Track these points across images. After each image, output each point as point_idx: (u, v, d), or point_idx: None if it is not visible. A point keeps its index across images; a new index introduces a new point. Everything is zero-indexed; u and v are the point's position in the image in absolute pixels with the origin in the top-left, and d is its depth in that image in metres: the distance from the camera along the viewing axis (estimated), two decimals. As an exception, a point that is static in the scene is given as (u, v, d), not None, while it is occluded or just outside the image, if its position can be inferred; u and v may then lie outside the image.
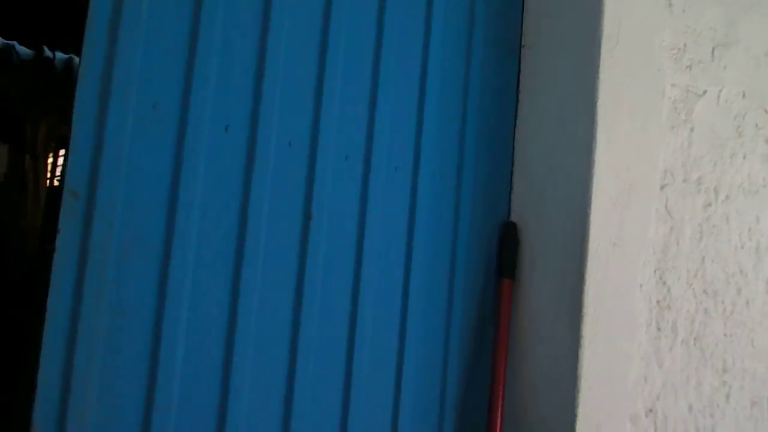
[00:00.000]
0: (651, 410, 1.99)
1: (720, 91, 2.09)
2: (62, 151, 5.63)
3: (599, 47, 1.89)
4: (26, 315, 5.25)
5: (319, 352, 1.65)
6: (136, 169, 1.41)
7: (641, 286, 1.97)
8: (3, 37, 5.95)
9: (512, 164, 2.07)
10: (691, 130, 2.04)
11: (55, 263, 1.30)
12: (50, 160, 5.90)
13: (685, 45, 2.04)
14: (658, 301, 2.00)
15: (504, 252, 1.98)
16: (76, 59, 6.19)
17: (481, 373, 1.95)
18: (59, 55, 5.93)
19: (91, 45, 1.37)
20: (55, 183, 5.70)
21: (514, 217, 2.05)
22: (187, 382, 1.46)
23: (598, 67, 1.88)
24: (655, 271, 2.00)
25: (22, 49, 5.93)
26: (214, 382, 1.50)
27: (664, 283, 2.02)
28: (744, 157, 2.11)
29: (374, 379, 1.75)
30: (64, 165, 3.17)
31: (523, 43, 2.12)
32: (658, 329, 2.00)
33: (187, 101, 1.48)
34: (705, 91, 2.07)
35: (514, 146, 2.07)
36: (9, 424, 3.68)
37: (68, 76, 6.16)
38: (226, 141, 1.54)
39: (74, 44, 5.87)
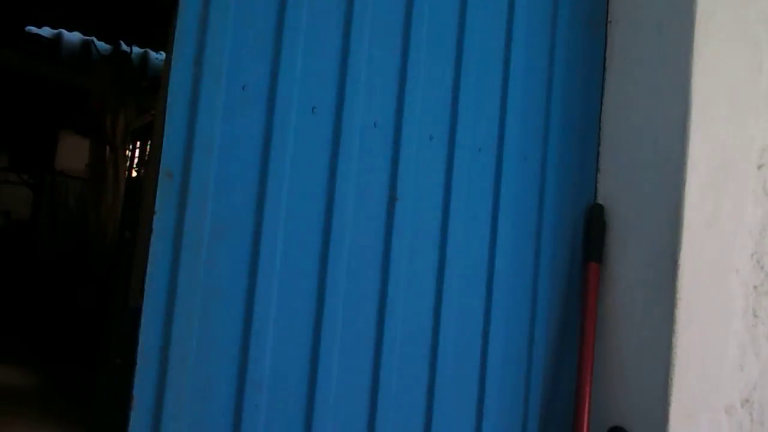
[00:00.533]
0: (747, 401, 1.90)
1: (822, 63, 1.97)
2: (139, 143, 5.80)
3: (693, 21, 1.80)
4: (108, 299, 5.47)
5: (404, 332, 1.65)
6: (227, 150, 1.43)
7: (737, 270, 1.87)
8: (82, 34, 6.19)
9: (599, 144, 2.00)
10: (792, 105, 1.93)
11: (153, 243, 1.33)
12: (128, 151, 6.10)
13: (784, 15, 1.93)
14: (755, 287, 1.90)
15: (591, 235, 1.92)
16: (152, 53, 6.38)
17: (568, 361, 1.90)
18: (135, 49, 6.12)
19: (183, 30, 1.39)
20: (133, 174, 5.89)
21: (600, 199, 1.99)
22: (277, 361, 1.47)
23: (692, 42, 1.80)
24: (752, 255, 1.90)
25: (101, 45, 6.16)
26: (303, 361, 1.51)
27: (762, 267, 1.92)
28: None
29: (459, 363, 1.73)
30: (152, 151, 3.26)
31: (609, 19, 2.04)
32: (755, 316, 1.91)
33: (275, 83, 1.49)
34: (806, 64, 1.95)
35: (600, 126, 2.00)
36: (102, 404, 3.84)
37: (144, 70, 6.36)
38: (313, 122, 1.54)
39: (150, 38, 6.05)
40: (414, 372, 1.66)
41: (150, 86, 6.19)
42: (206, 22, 1.41)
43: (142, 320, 1.32)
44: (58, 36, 6.13)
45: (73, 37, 6.18)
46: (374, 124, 1.62)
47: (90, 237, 6.90)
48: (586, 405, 1.82)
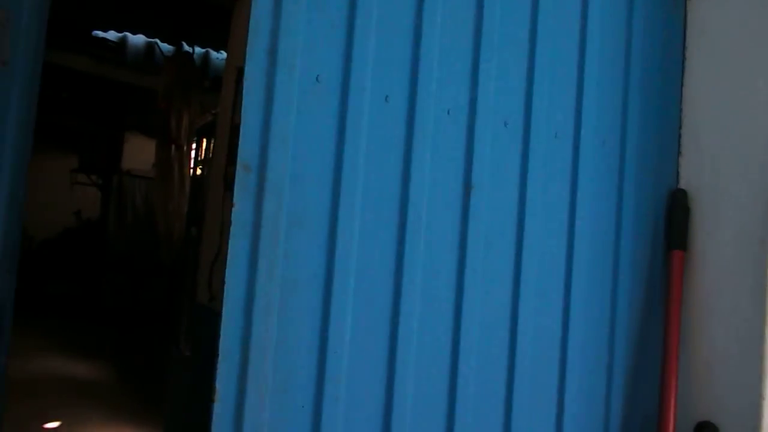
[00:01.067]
0: None
1: None
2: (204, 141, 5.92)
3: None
4: (176, 294, 5.61)
5: (481, 323, 1.61)
6: (302, 142, 1.42)
7: (834, 256, 1.76)
8: (146, 36, 6.35)
9: (680, 127, 1.91)
10: None
11: (232, 236, 1.34)
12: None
13: None
14: None
15: (673, 221, 1.84)
16: (213, 53, 6.50)
17: (651, 354, 1.83)
18: (197, 50, 6.25)
19: (257, 22, 1.39)
20: (197, 172, 6.01)
21: (683, 184, 1.90)
22: (355, 354, 1.46)
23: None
24: None
25: (164, 46, 6.31)
26: (381, 353, 1.49)
27: None
28: None
29: (538, 354, 1.69)
30: (230, 148, 3.30)
31: (689, -6, 1.95)
32: None
33: (348, 73, 1.47)
34: None
35: (681, 108, 1.92)
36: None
37: (205, 69, 6.48)
38: (387, 111, 1.52)
39: (210, 39, 6.15)
40: (492, 364, 1.63)
41: (212, 85, 6.30)
42: (279, 12, 1.40)
43: (224, 312, 1.33)
44: (123, 39, 6.31)
45: (138, 39, 6.35)
46: (447, 111, 1.59)
47: (158, 234, 7.10)
48: (672, 400, 1.75)
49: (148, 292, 10.24)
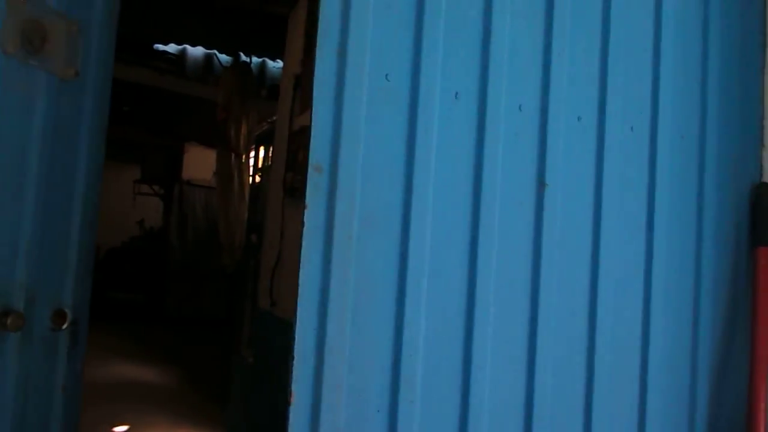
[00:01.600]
0: None
1: None
2: (261, 149, 6.01)
3: None
4: (237, 300, 5.70)
5: (558, 324, 1.56)
6: (372, 141, 1.41)
7: None
8: (204, 48, 6.49)
9: (762, 118, 1.82)
10: None
11: (305, 239, 1.33)
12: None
13: None
14: None
15: (759, 217, 1.75)
16: (269, 62, 6.59)
17: (737, 354, 1.73)
18: (254, 59, 6.35)
19: (326, 24, 1.38)
20: (256, 180, 6.10)
21: (767, 178, 1.80)
22: (429, 357, 1.44)
23: None
24: None
25: (223, 57, 6.43)
26: (456, 355, 1.46)
27: None
28: None
29: (617, 359, 1.62)
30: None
31: (768, -20, 1.86)
32: None
33: (418, 70, 1.45)
34: None
35: (763, 98, 1.82)
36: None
37: (262, 78, 6.58)
38: (457, 108, 1.49)
39: (266, 48, 6.24)
40: (570, 365, 1.58)
41: (269, 94, 6.39)
42: (348, 13, 1.39)
43: (298, 315, 1.32)
44: (183, 51, 6.46)
45: (197, 51, 6.50)
46: (519, 107, 1.55)
47: (219, 241, 7.24)
48: (762, 403, 1.66)
49: (208, 299, 10.47)
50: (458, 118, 1.49)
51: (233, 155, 5.73)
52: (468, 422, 1.45)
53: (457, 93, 1.49)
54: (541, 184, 1.56)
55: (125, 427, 5.18)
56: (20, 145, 1.71)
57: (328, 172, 1.36)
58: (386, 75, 1.43)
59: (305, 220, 1.33)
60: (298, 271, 1.31)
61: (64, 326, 1.87)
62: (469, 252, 1.48)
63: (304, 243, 1.33)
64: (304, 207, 1.33)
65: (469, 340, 1.47)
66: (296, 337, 1.31)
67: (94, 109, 1.94)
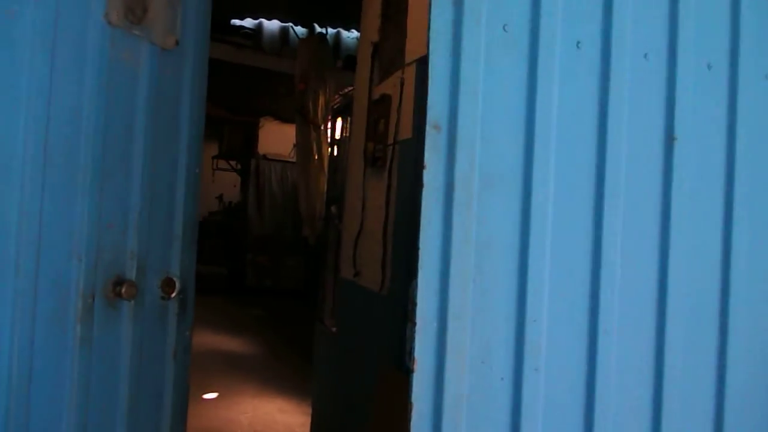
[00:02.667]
0: None
1: None
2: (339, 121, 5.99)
3: None
4: (319, 270, 5.75)
5: (689, 286, 1.46)
6: (491, 96, 1.33)
7: None
8: (280, 21, 6.51)
9: None
10: None
11: (425, 200, 1.28)
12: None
13: None
14: None
15: None
16: (343, 32, 6.54)
17: None
18: (329, 30, 6.32)
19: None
20: (334, 152, 6.10)
21: None
22: (554, 322, 1.37)
23: None
24: None
25: (298, 29, 6.43)
26: (582, 320, 1.39)
27: None
28: None
29: (753, 316, 1.50)
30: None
31: None
32: None
33: (537, 19, 1.36)
34: None
35: None
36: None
37: (337, 50, 6.54)
38: (579, 58, 1.39)
39: (341, 18, 6.19)
40: (701, 329, 1.47)
41: (344, 65, 6.36)
42: (462, -42, 1.31)
43: (420, 279, 1.27)
44: (259, 25, 6.50)
45: (273, 25, 6.51)
46: (645, 55, 1.44)
47: (297, 213, 7.32)
48: None
49: (286, 271, 10.68)
50: (580, 68, 1.39)
51: (312, 127, 5.73)
52: (595, 390, 1.38)
53: (578, 42, 1.39)
54: (669, 137, 1.44)
55: (214, 395, 5.35)
56: (127, 116, 1.73)
57: (446, 130, 1.29)
58: (504, 25, 1.34)
59: (424, 181, 1.27)
60: (418, 234, 1.26)
61: (173, 294, 1.90)
62: (594, 211, 1.39)
63: (423, 204, 1.27)
64: (422, 168, 1.27)
65: (595, 304, 1.39)
66: (418, 301, 1.26)
67: (194, 78, 1.94)
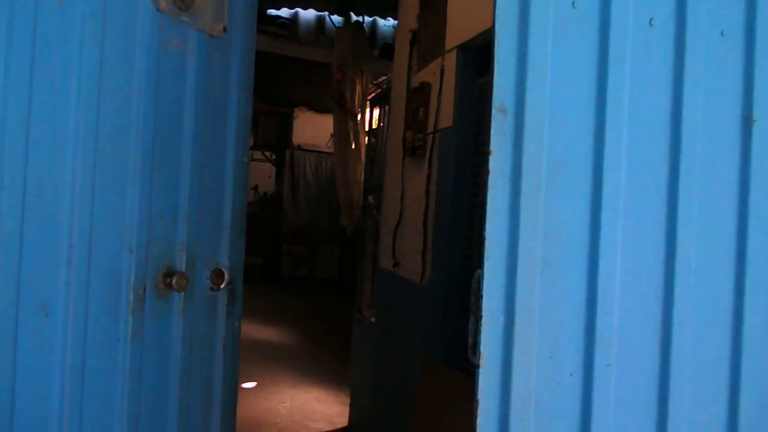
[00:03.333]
0: None
1: None
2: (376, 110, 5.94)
3: None
4: (356, 260, 5.74)
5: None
6: (560, 77, 1.26)
7: None
8: (315, 10, 6.46)
9: None
10: None
11: (491, 187, 1.22)
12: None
13: None
14: None
15: None
16: (379, 20, 6.47)
17: None
18: (365, 19, 6.25)
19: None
20: (370, 141, 6.04)
21: None
22: (626, 315, 1.29)
23: None
24: None
25: (335, 18, 6.37)
26: (655, 313, 1.31)
27: None
28: None
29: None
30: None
31: None
32: None
33: (607, -5, 1.28)
34: None
35: None
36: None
37: (373, 38, 6.47)
38: (652, 36, 1.31)
39: (377, 6, 6.13)
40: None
41: (380, 53, 6.29)
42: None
43: (485, 270, 1.21)
44: (295, 15, 6.46)
45: (308, 14, 6.47)
46: (721, 32, 1.35)
47: (333, 203, 7.30)
48: None
49: (321, 260, 10.72)
50: (653, 47, 1.31)
51: (349, 116, 5.69)
52: (669, 387, 1.31)
53: (651, 19, 1.31)
54: (747, 119, 1.36)
55: (253, 384, 5.38)
56: (176, 105, 1.70)
57: (513, 114, 1.23)
58: (572, 2, 1.27)
59: (490, 167, 1.21)
60: (484, 223, 1.20)
61: (222, 285, 1.87)
62: (668, 198, 1.32)
63: (489, 192, 1.21)
64: (488, 153, 1.21)
65: (669, 295, 1.31)
66: (484, 293, 1.21)
67: (242, 66, 1.90)
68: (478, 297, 1.22)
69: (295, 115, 11.29)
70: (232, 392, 1.96)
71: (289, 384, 5.52)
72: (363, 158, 5.80)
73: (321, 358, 6.43)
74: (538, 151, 1.23)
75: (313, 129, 11.18)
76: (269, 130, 11.11)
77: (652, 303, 1.31)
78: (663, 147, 1.31)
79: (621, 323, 1.28)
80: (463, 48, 3.16)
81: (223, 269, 1.87)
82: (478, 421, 1.20)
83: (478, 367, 1.20)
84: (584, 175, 1.27)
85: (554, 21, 1.25)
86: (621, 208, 1.28)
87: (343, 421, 4.74)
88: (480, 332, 1.20)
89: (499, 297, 1.21)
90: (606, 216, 1.27)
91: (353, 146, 5.74)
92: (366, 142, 5.94)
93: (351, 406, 4.73)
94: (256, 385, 5.41)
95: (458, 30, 3.19)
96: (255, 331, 7.29)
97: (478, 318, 1.20)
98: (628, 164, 1.29)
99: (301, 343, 7.08)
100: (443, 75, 3.32)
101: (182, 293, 1.72)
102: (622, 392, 1.28)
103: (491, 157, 1.21)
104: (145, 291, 1.62)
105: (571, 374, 1.26)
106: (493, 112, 1.21)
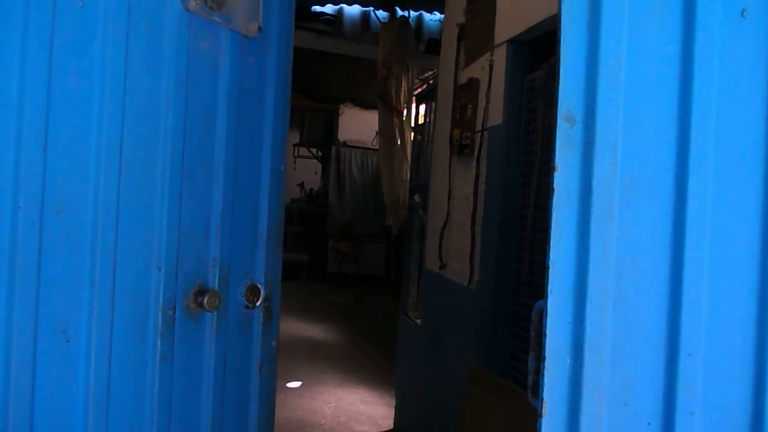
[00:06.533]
0: None
1: None
2: (422, 106, 5.79)
3: None
4: (402, 260, 5.61)
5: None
6: (636, 80, 1.08)
7: None
8: (360, 6, 6.33)
9: None
10: None
11: (555, 208, 1.05)
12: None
13: None
14: None
15: None
16: (425, 14, 6.31)
17: None
18: (411, 13, 6.09)
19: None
20: (418, 137, 5.90)
21: None
22: (713, 354, 1.11)
23: None
24: None
25: (380, 13, 6.23)
26: (746, 352, 1.13)
27: None
28: None
29: None
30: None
31: None
32: None
33: (694, -18, 1.10)
34: None
35: None
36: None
37: (418, 33, 6.32)
38: (743, 29, 1.12)
39: (422, 1, 5.97)
40: None
41: (426, 48, 6.14)
42: None
43: (549, 303, 1.05)
44: (340, 11, 6.34)
45: (353, 10, 6.35)
46: (827, 24, 1.15)
47: (378, 201, 7.18)
48: None
49: (367, 257, 10.64)
50: (745, 42, 1.12)
51: (394, 113, 5.56)
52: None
53: (744, 10, 1.12)
54: None
55: (298, 383, 5.32)
56: (207, 110, 1.58)
57: (582, 123, 1.05)
58: (652, -7, 1.09)
59: (555, 185, 1.04)
60: (548, 249, 1.04)
61: (258, 303, 1.75)
62: (763, 217, 1.12)
63: (554, 214, 1.04)
64: (553, 169, 1.04)
65: (765, 333, 1.12)
66: (548, 331, 1.04)
67: (278, 67, 1.77)
68: (540, 333, 1.06)
69: (340, 111, 11.23)
70: (269, 415, 1.85)
71: (333, 384, 5.45)
72: (409, 156, 5.66)
73: (366, 357, 6.35)
74: (611, 165, 1.06)
75: (358, 125, 11.11)
76: (315, 127, 11.08)
77: (744, 342, 1.12)
78: (757, 158, 1.12)
79: (707, 365, 1.10)
80: (513, 42, 3.00)
81: (259, 285, 1.75)
82: (542, 479, 1.04)
83: (540, 416, 1.04)
84: (665, 193, 1.08)
85: (630, 15, 1.07)
86: (708, 230, 1.09)
87: (388, 423, 4.66)
88: (542, 373, 1.03)
89: (565, 335, 1.05)
90: (690, 240, 1.08)
91: (399, 143, 5.61)
92: (412, 139, 5.80)
93: (396, 408, 4.65)
94: (301, 385, 5.36)
95: (508, 23, 3.04)
96: (300, 328, 7.26)
97: (540, 357, 1.04)
98: (716, 179, 1.10)
99: (345, 341, 7.02)
100: (492, 71, 3.18)
101: (215, 313, 1.61)
102: (709, 443, 1.11)
103: (556, 174, 1.04)
104: (174, 312, 1.51)
105: (648, 423, 1.08)
106: (559, 121, 1.04)
